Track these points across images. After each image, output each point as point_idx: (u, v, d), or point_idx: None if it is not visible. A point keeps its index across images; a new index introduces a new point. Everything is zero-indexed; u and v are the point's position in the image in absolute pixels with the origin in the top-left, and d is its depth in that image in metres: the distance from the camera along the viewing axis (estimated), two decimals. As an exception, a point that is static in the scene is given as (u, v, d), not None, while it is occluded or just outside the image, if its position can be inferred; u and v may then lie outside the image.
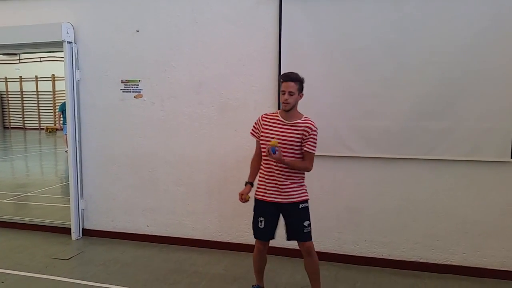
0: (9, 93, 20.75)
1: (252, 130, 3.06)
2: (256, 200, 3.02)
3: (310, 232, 2.91)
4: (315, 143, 2.86)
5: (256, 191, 3.02)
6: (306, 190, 2.95)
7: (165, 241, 4.28)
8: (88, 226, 4.54)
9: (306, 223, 2.89)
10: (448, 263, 3.63)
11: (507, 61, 3.33)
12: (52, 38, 4.28)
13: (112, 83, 4.32)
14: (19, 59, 19.54)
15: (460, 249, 3.60)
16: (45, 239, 4.42)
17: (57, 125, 18.78)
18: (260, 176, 3.00)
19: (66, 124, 11.21)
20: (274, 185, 2.89)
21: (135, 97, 4.27)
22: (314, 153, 2.87)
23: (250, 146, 3.94)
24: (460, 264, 3.60)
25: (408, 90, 3.53)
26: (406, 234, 3.70)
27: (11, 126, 20.93)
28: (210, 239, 4.17)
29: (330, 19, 3.65)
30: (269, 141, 2.80)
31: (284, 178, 2.86)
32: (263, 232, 2.98)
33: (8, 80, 20.54)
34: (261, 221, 2.96)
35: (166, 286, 3.38)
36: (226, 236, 4.14)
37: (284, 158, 2.78)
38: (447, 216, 3.60)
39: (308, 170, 2.91)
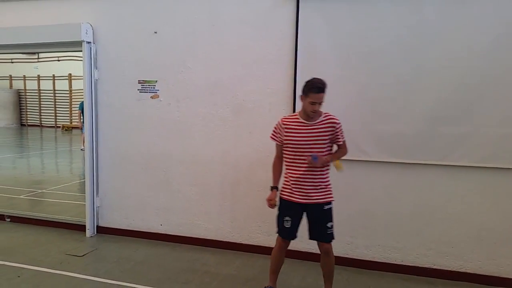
0: (27, 91, 21.14)
1: (273, 134, 3.09)
2: (281, 200, 3.05)
3: (332, 233, 2.96)
4: (343, 133, 2.97)
5: (282, 191, 3.06)
6: (331, 191, 2.98)
7: (177, 240, 4.32)
8: (103, 223, 4.60)
9: (329, 225, 2.94)
10: (463, 270, 3.58)
11: (525, 67, 3.29)
12: (72, 38, 4.36)
13: (129, 83, 4.37)
14: (38, 58, 19.90)
15: (475, 256, 3.55)
16: (60, 236, 4.49)
17: (74, 123, 19.13)
18: (285, 177, 3.04)
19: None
20: (300, 187, 2.93)
21: (151, 97, 4.32)
22: (344, 143, 3.01)
23: (264, 148, 3.96)
24: (474, 272, 3.55)
25: (425, 94, 3.51)
26: (420, 240, 3.67)
27: (28, 123, 21.32)
28: (222, 240, 4.19)
29: (347, 22, 3.65)
30: (295, 142, 2.90)
31: (309, 179, 2.90)
32: (289, 232, 3.01)
33: (26, 78, 20.93)
34: (287, 221, 2.99)
35: (177, 285, 3.40)
36: (239, 237, 4.15)
37: (326, 157, 2.89)
38: (462, 222, 3.56)
39: (346, 153, 3.05)
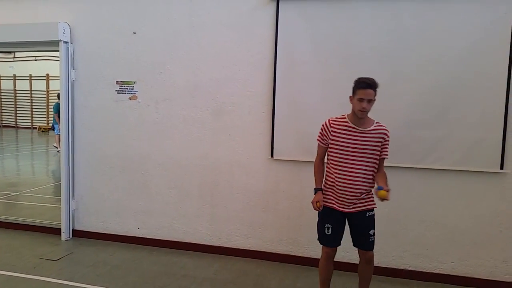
0: (2, 91, 20.59)
1: (319, 136, 2.92)
2: (324, 207, 2.91)
3: (374, 241, 2.88)
4: (389, 148, 2.85)
5: (325, 198, 2.91)
6: (373, 198, 2.87)
7: (155, 243, 4.27)
8: (79, 227, 4.51)
9: (371, 232, 2.86)
10: (437, 271, 3.65)
11: (498, 73, 3.39)
12: (49, 37, 4.28)
13: (107, 84, 4.32)
14: (14, 57, 19.44)
15: (449, 258, 3.63)
16: (35, 239, 4.39)
17: (51, 124, 18.75)
18: (326, 183, 2.92)
19: (57, 124, 11.29)
20: (344, 196, 2.81)
21: (129, 98, 4.27)
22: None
23: (243, 150, 3.97)
24: (448, 273, 3.63)
25: (402, 98, 3.58)
26: (396, 242, 3.73)
27: (3, 124, 20.76)
28: (201, 243, 4.17)
29: (326, 26, 3.69)
30: (343, 148, 2.77)
31: (353, 188, 2.78)
32: (331, 239, 2.90)
33: (1, 78, 20.39)
34: (327, 228, 2.88)
35: (155, 289, 3.37)
36: (217, 240, 4.14)
37: (386, 186, 2.70)
38: (436, 225, 3.64)
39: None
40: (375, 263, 3.72)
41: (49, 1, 4.43)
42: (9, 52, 17.91)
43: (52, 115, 14.25)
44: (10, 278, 3.46)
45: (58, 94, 5.02)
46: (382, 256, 3.75)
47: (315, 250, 3.83)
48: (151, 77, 4.20)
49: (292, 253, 3.94)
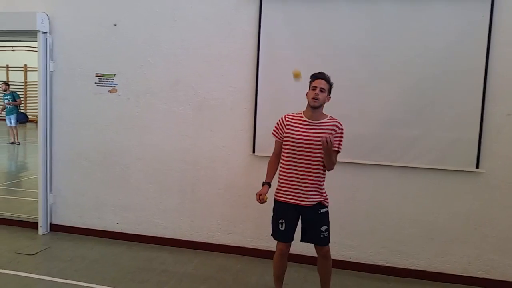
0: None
1: (274, 130, 3.01)
2: (276, 201, 2.97)
3: (327, 237, 2.92)
4: (342, 141, 2.88)
5: (276, 192, 2.98)
6: (326, 195, 2.92)
7: (135, 239, 4.23)
8: (56, 221, 4.44)
9: (323, 228, 2.89)
10: (414, 268, 3.73)
11: (475, 74, 3.45)
12: (26, 27, 4.18)
13: (86, 76, 4.24)
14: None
15: (425, 254, 3.71)
16: (11, 234, 4.30)
17: (30, 116, 18.32)
18: (280, 177, 2.96)
19: (9, 115, 10.93)
20: (294, 187, 2.86)
21: (109, 91, 4.21)
22: (339, 152, 2.89)
23: (224, 146, 3.97)
24: (424, 269, 3.70)
25: (380, 97, 3.62)
26: (374, 238, 3.79)
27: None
28: (181, 238, 4.15)
29: (308, 24, 3.71)
30: (294, 141, 2.83)
31: (306, 180, 2.83)
32: (284, 234, 2.93)
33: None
34: (281, 223, 2.91)
35: (134, 285, 3.34)
36: (198, 235, 4.12)
37: (332, 144, 2.69)
38: (413, 222, 3.70)
39: (331, 169, 2.88)
40: (353, 259, 3.81)
41: (27, -11, 4.32)
42: (-14, 41, 17.35)
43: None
44: (-16, 273, 3.39)
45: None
46: (360, 252, 3.81)
47: (294, 246, 3.85)
48: (131, 70, 4.14)
49: (272, 249, 3.91)
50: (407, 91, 3.58)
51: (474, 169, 3.52)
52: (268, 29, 3.78)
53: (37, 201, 4.39)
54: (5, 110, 11.30)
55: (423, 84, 3.54)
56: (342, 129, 2.88)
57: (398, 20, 3.55)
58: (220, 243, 4.07)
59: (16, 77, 19.31)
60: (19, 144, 11.35)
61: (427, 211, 3.67)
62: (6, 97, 11.29)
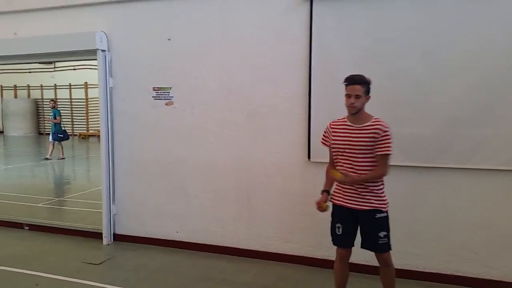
0: (44, 100, 21.49)
1: (323, 139, 2.98)
2: (333, 205, 2.92)
3: (386, 243, 2.78)
4: (390, 143, 2.71)
5: (332, 195, 2.93)
6: (385, 198, 2.79)
7: (194, 247, 4.28)
8: (119, 231, 4.60)
9: (382, 234, 2.76)
10: (488, 277, 3.45)
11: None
12: (87, 47, 4.40)
13: (144, 90, 4.38)
14: (54, 67, 20.22)
15: (501, 263, 3.42)
16: (77, 244, 4.51)
17: (91, 131, 19.42)
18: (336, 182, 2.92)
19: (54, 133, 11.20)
20: (349, 191, 2.79)
21: (166, 104, 4.32)
22: (389, 155, 2.72)
23: (279, 153, 3.93)
24: (500, 279, 3.42)
25: (443, 96, 3.42)
26: (442, 246, 3.56)
27: (46, 132, 21.63)
28: (238, 247, 4.14)
29: (362, 24, 3.59)
30: (339, 146, 2.80)
31: (360, 184, 2.74)
32: (342, 239, 2.86)
33: (43, 87, 21.28)
34: (338, 228, 2.85)
35: (195, 293, 3.37)
36: (255, 244, 4.09)
37: (358, 176, 2.71)
38: (486, 228, 3.44)
39: (384, 175, 2.75)
40: (420, 269, 3.61)
41: (86, 11, 4.55)
42: (50, 63, 18.63)
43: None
44: (55, 282, 3.56)
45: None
46: (426, 261, 3.60)
47: (357, 255, 3.71)
48: (186, 82, 4.22)
49: (332, 258, 3.75)
50: (472, 88, 3.35)
51: (551, 168, 3.23)
52: (320, 32, 3.71)
53: (100, 212, 4.57)
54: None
55: (489, 80, 3.31)
56: (386, 131, 2.72)
57: (458, 13, 3.35)
58: (278, 252, 4.01)
59: (78, 94, 20.54)
60: (50, 159, 11.43)
61: (501, 216, 3.41)
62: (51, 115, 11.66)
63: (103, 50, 4.44)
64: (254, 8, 3.94)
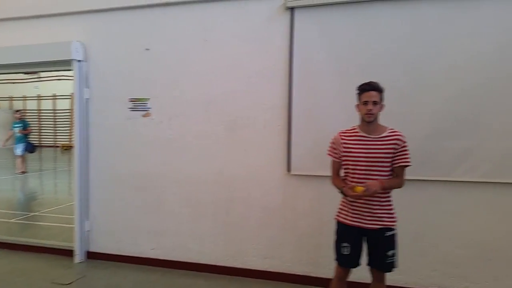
0: (27, 111, 21.14)
1: (330, 150, 2.81)
2: (338, 223, 2.79)
3: (392, 262, 2.67)
4: (409, 155, 2.63)
5: (339, 213, 2.80)
6: (395, 215, 2.68)
7: (169, 265, 4.11)
8: (93, 248, 4.40)
9: (390, 253, 2.65)
10: (470, 293, 3.37)
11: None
12: (62, 57, 4.25)
13: (121, 101, 4.24)
14: (39, 77, 19.95)
15: (482, 277, 3.35)
16: (48, 262, 4.29)
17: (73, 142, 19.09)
18: (342, 198, 2.79)
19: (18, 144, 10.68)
20: (361, 209, 2.65)
21: (143, 116, 4.18)
22: (408, 166, 2.65)
23: (259, 166, 3.82)
24: (483, 295, 3.34)
25: (426, 107, 3.36)
26: (424, 260, 3.48)
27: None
28: (216, 264, 3.99)
29: (344, 34, 3.53)
30: (354, 159, 2.64)
31: (373, 201, 2.61)
32: (349, 259, 2.72)
33: (26, 98, 20.96)
34: (345, 247, 2.71)
35: (168, 315, 3.20)
36: (233, 261, 3.95)
37: (380, 184, 2.52)
38: (468, 241, 3.37)
39: (402, 186, 2.67)
40: (401, 284, 3.51)
41: (63, 20, 4.42)
42: (33, 73, 18.39)
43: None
44: (21, 304, 3.36)
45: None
46: (409, 276, 3.50)
47: (330, 270, 3.60)
48: (164, 93, 4.10)
49: (313, 274, 3.72)
50: (455, 100, 3.30)
51: (533, 181, 3.18)
52: (301, 42, 3.64)
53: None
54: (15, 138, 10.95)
55: (473, 91, 3.26)
56: (405, 141, 2.63)
57: (442, 25, 3.31)
58: (257, 269, 3.88)
59: (62, 105, 20.25)
60: (24, 173, 11.12)
61: (483, 229, 3.34)
62: (15, 126, 10.90)
63: (79, 60, 4.31)
64: (235, 18, 3.86)
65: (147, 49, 4.15)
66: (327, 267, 3.66)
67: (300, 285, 3.69)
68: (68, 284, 3.75)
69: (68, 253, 4.40)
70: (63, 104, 20.28)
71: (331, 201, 3.52)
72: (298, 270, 3.76)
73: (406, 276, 3.51)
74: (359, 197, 2.55)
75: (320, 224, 3.64)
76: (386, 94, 3.38)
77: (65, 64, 4.38)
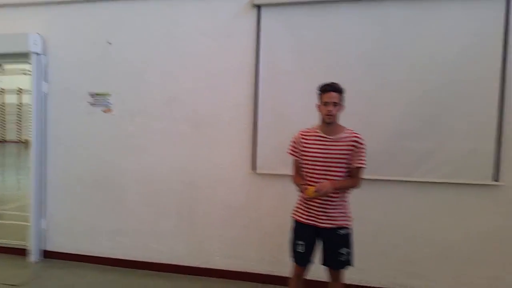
0: (-10, 105, 20.33)
1: (291, 149, 2.81)
2: (294, 221, 2.78)
3: (347, 260, 2.67)
4: (365, 156, 2.64)
5: (295, 211, 2.79)
6: (348, 215, 2.69)
7: (130, 265, 4.00)
8: (50, 247, 4.24)
9: (343, 251, 2.65)
10: (429, 291, 3.43)
11: (490, 80, 3.22)
12: (19, 49, 4.08)
13: (81, 96, 4.10)
14: (3, 70, 19.17)
15: (441, 276, 3.41)
16: (1, 262, 4.10)
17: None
18: (299, 196, 2.79)
19: None
20: (316, 208, 2.65)
21: (103, 111, 4.05)
22: (364, 168, 2.65)
23: (223, 164, 3.76)
24: (442, 293, 3.40)
25: (390, 108, 3.39)
26: (384, 260, 3.51)
27: (-6, 138, 20.44)
28: (178, 264, 3.91)
29: (310, 34, 3.52)
30: (311, 159, 2.64)
31: (328, 201, 2.62)
32: (302, 257, 2.72)
33: (-10, 92, 20.13)
34: (300, 245, 2.72)
35: (126, 316, 3.11)
36: (196, 260, 3.88)
37: (331, 185, 2.53)
38: (427, 241, 3.43)
39: (358, 186, 2.68)
40: (363, 283, 3.53)
41: (21, 11, 4.23)
42: (-3, 66, 17.66)
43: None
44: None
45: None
46: (370, 276, 3.53)
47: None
48: (126, 89, 3.99)
49: (275, 273, 3.70)
50: (418, 101, 3.35)
51: (490, 182, 3.26)
52: (268, 40, 3.61)
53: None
54: None
55: (435, 93, 3.31)
56: (362, 143, 2.63)
57: (407, 26, 3.35)
58: (221, 268, 3.82)
59: (28, 100, 19.55)
60: None
61: (442, 229, 3.40)
62: None
63: (38, 53, 4.13)
64: (201, 15, 3.79)
65: (109, 43, 4.02)
66: (289, 266, 3.63)
67: (263, 284, 3.66)
68: (20, 285, 3.58)
69: (23, 252, 4.23)
70: (28, 99, 19.58)
71: (295, 201, 3.50)
72: (261, 269, 3.73)
73: (367, 276, 3.54)
74: (311, 198, 2.56)
75: (284, 223, 3.60)
76: (349, 95, 3.40)
77: (23, 56, 4.19)
